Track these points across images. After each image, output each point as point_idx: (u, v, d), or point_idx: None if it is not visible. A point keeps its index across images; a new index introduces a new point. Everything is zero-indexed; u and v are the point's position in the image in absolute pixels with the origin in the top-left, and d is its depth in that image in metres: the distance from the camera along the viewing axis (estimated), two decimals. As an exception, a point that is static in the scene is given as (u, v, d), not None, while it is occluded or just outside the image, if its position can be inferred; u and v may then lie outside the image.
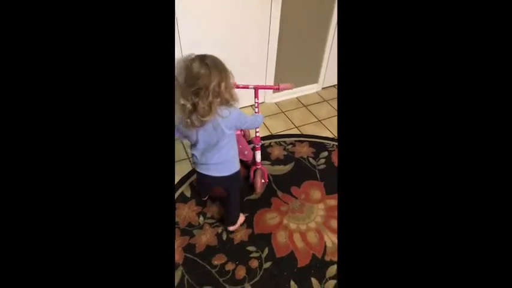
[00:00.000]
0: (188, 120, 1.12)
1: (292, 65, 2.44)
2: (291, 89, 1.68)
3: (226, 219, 1.62)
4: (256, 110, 1.66)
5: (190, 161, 1.99)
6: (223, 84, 1.09)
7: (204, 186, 1.72)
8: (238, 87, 1.54)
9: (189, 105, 1.09)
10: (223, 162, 1.31)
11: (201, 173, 1.37)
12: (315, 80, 2.68)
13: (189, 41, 1.91)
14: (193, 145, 1.29)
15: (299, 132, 2.30)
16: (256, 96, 1.66)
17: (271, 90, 2.48)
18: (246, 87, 1.61)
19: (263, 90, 2.29)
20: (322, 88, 2.76)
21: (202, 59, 1.07)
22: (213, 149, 1.26)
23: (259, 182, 1.77)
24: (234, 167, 1.37)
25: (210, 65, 1.06)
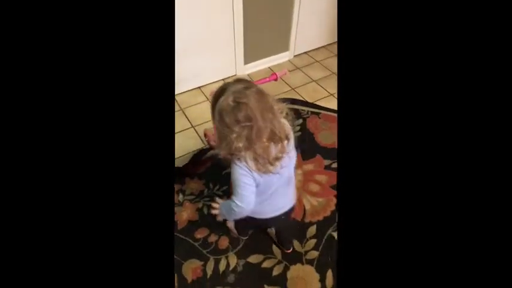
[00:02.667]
0: (272, 155, 0.92)
1: (260, 35, 2.39)
2: (286, 74, 1.58)
3: (283, 243, 1.44)
4: None
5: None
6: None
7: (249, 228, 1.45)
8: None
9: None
10: (293, 187, 1.14)
11: (263, 219, 1.12)
12: (285, 48, 2.65)
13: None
14: (259, 194, 0.99)
15: (273, 102, 2.29)
16: None
17: (242, 61, 2.45)
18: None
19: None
20: (294, 56, 2.74)
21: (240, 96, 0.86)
22: (287, 178, 1.06)
23: None
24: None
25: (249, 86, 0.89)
